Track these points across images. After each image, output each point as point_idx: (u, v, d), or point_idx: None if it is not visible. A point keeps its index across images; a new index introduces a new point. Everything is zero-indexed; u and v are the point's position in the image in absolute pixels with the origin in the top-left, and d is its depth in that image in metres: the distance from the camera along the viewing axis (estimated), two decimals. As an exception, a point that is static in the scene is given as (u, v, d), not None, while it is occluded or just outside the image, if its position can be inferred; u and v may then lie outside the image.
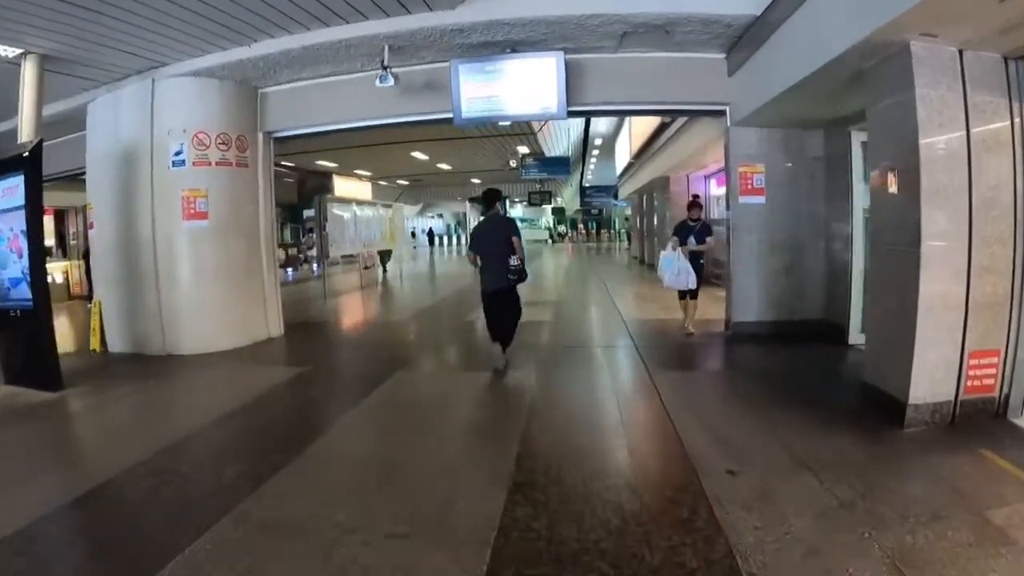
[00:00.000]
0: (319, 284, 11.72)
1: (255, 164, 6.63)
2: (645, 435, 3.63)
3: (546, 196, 29.44)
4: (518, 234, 5.03)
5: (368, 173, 21.46)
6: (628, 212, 30.89)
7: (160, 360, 5.98)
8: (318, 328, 8.11)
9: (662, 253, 6.57)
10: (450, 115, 5.98)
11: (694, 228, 6.51)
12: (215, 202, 6.18)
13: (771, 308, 6.27)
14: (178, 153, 6.06)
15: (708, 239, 6.49)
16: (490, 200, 5.23)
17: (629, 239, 24.94)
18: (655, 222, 14.69)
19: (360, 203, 13.22)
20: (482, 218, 5.43)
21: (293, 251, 19.36)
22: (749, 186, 6.14)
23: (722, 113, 6.21)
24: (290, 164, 18.94)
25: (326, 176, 20.57)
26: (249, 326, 6.58)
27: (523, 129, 13.38)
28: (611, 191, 28.48)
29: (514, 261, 4.91)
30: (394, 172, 21.70)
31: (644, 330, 6.84)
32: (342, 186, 20.73)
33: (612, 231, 43.95)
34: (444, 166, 19.42)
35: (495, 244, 5.00)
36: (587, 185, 31.16)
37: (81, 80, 6.31)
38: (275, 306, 6.96)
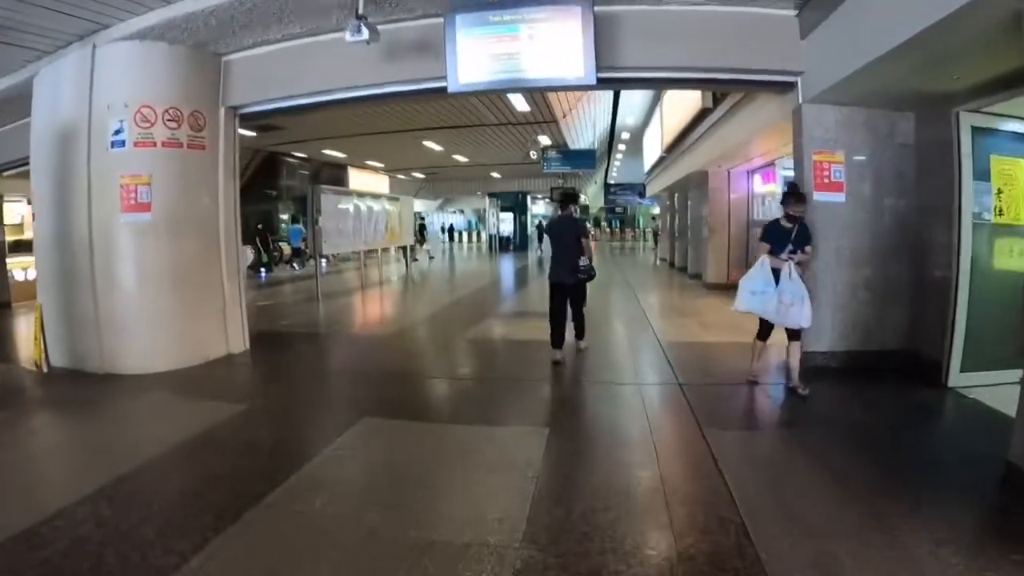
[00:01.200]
0: (323, 282, 10.61)
1: (214, 146, 5.51)
2: (711, 568, 2.24)
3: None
4: (588, 235, 5.48)
5: (381, 164, 20.49)
6: (654, 211, 29.67)
7: (94, 381, 4.96)
8: (291, 342, 6.79)
9: (752, 271, 4.47)
10: (444, 83, 4.78)
11: (791, 231, 4.34)
12: (161, 191, 5.10)
13: (845, 335, 4.97)
14: (118, 132, 5.00)
15: (807, 247, 4.41)
16: (565, 202, 5.75)
17: (655, 239, 23.53)
18: (688, 222, 13.31)
19: (361, 195, 12.08)
20: (557, 216, 6.26)
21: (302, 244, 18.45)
22: (825, 180, 4.80)
23: (791, 86, 4.92)
24: (303, 155, 18.15)
25: (341, 168, 19.68)
26: (203, 341, 5.49)
27: (544, 117, 12.12)
28: (636, 189, 27.54)
29: (584, 261, 5.27)
30: (408, 164, 20.68)
31: (686, 358, 5.51)
32: (357, 178, 19.85)
33: (636, 230, 43.49)
34: (460, 158, 18.26)
35: (566, 243, 5.39)
36: (612, 182, 30.40)
37: (20, 49, 5.42)
38: (237, 317, 5.83)
